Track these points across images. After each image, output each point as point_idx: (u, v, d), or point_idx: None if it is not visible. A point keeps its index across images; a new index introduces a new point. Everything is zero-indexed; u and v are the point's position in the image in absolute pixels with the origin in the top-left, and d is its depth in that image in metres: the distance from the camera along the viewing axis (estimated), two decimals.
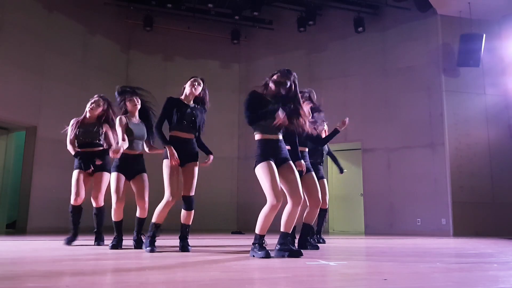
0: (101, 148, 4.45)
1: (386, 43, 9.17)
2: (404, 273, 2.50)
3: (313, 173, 4.35)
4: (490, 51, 8.34)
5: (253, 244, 3.32)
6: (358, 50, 9.39)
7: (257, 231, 3.30)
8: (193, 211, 3.83)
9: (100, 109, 4.50)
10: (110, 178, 4.11)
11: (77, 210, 4.41)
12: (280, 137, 3.48)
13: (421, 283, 2.15)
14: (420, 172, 8.33)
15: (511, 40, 8.47)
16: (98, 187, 4.44)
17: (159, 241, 3.89)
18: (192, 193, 3.82)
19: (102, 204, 4.45)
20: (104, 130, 4.49)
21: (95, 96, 4.55)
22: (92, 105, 4.46)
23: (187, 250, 3.72)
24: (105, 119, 4.54)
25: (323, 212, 5.21)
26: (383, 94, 9.00)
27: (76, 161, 4.38)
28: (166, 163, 3.73)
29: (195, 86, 3.90)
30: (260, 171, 3.33)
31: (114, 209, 4.08)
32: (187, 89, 3.92)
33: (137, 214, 4.24)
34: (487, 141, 8.23)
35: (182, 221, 3.83)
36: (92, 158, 4.38)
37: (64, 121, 4.58)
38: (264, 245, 3.27)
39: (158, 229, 3.81)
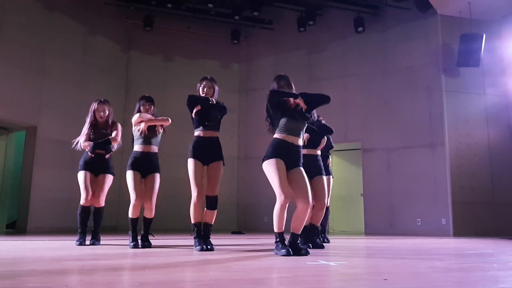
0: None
1: (386, 43, 9.17)
2: (404, 273, 2.50)
3: (324, 177, 4.37)
4: (490, 51, 8.33)
5: (275, 242, 3.39)
6: (358, 50, 9.38)
7: (274, 229, 3.37)
8: (216, 210, 3.81)
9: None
10: (127, 176, 4.13)
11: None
12: (300, 143, 3.48)
13: (421, 283, 2.15)
14: (420, 172, 8.33)
15: (511, 40, 8.47)
16: (101, 188, 4.48)
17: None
18: (216, 193, 3.80)
19: (103, 204, 4.49)
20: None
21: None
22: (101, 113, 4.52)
23: (212, 249, 3.69)
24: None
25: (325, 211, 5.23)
26: (383, 94, 9.00)
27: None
28: (189, 162, 3.75)
29: (205, 90, 3.89)
30: (268, 167, 3.38)
31: (134, 205, 4.06)
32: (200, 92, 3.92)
33: (144, 214, 4.24)
34: (487, 141, 8.23)
35: (204, 220, 3.80)
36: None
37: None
38: (285, 242, 3.32)
39: (199, 228, 3.78)
